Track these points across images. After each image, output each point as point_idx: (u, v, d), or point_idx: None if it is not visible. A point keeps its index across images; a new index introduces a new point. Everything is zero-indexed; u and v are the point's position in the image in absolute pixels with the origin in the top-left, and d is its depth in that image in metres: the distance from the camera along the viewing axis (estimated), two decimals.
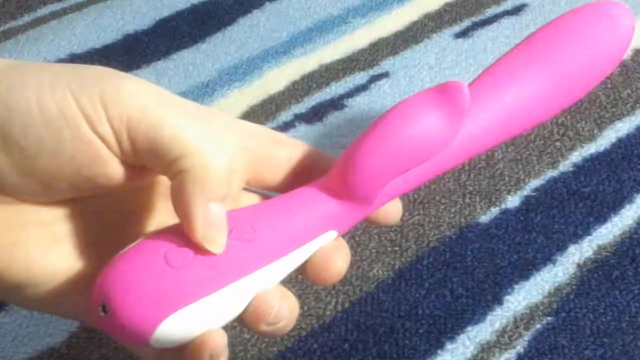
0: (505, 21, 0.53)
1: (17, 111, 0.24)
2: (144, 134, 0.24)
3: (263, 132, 0.30)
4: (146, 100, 0.24)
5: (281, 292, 0.27)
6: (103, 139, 0.24)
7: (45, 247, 0.26)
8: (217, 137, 0.25)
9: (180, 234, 0.25)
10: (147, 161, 0.25)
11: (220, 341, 0.25)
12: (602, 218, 0.38)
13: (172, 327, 0.25)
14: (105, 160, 0.25)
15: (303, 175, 0.30)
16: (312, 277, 0.28)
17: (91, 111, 0.24)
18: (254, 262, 0.26)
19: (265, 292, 0.27)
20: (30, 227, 0.26)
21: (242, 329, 0.35)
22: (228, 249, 0.26)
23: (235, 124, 0.29)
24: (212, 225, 0.25)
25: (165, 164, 0.25)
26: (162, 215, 0.29)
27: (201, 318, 0.25)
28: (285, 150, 0.29)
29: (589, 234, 0.38)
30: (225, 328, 0.32)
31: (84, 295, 0.26)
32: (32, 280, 0.26)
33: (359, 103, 0.47)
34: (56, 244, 0.27)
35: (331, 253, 0.28)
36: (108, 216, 0.28)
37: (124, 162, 0.25)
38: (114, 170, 0.25)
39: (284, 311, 0.27)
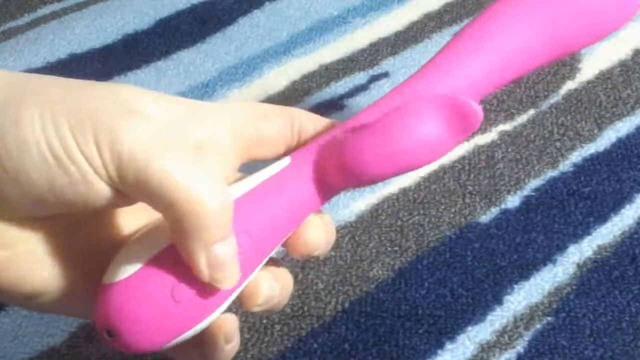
0: None
1: (16, 147, 0.23)
2: (134, 178, 0.23)
3: (250, 110, 0.29)
4: (135, 141, 0.23)
5: (270, 273, 0.27)
6: (98, 175, 0.24)
7: (40, 261, 0.26)
8: (210, 169, 0.24)
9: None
10: (140, 200, 0.25)
11: (232, 324, 0.27)
12: (602, 218, 0.38)
13: (178, 342, 0.26)
14: (99, 192, 0.24)
15: (294, 141, 0.29)
16: (294, 253, 0.28)
17: (87, 151, 0.23)
18: (252, 266, 0.27)
19: (254, 278, 0.27)
20: (20, 244, 0.26)
21: (241, 328, 0.35)
22: None
23: (224, 111, 0.28)
24: (218, 267, 0.24)
25: (158, 208, 0.24)
26: (143, 212, 0.29)
27: (204, 327, 0.26)
28: (273, 123, 0.29)
29: (589, 234, 0.38)
30: None
31: (84, 300, 0.26)
32: (35, 293, 0.26)
33: (359, 103, 0.47)
34: (47, 257, 0.27)
35: (311, 227, 0.28)
36: (89, 222, 0.28)
37: (117, 192, 0.25)
38: (106, 198, 0.25)
39: (274, 291, 0.27)
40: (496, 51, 0.30)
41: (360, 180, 0.28)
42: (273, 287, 0.27)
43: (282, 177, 0.27)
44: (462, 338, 0.34)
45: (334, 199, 0.35)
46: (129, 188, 0.24)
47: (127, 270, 0.25)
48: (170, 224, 0.24)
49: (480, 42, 0.30)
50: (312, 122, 0.30)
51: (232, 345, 0.27)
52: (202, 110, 0.28)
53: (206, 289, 0.25)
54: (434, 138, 0.27)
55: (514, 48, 0.30)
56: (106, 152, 0.23)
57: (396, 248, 0.38)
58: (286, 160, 0.28)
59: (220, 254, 0.24)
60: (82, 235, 0.27)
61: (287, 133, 0.29)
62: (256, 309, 0.27)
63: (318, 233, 0.28)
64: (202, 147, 0.27)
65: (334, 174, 0.27)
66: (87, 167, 0.24)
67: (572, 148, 0.43)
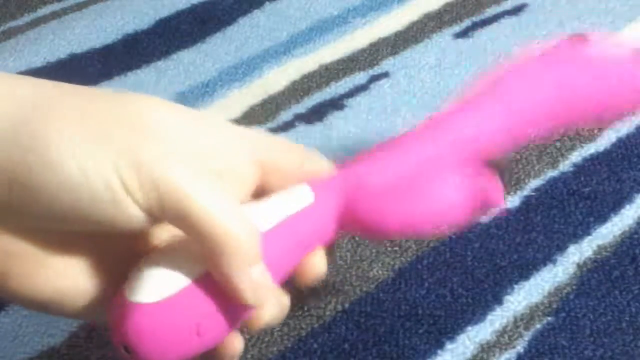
0: (505, 21, 0.53)
1: (53, 170, 0.24)
2: (174, 212, 0.25)
3: (273, 143, 0.30)
4: (175, 174, 0.25)
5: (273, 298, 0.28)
6: (136, 203, 0.25)
7: (64, 270, 0.27)
8: (237, 201, 0.27)
9: (212, 290, 0.26)
10: (175, 226, 0.26)
11: (239, 346, 0.28)
12: (602, 218, 0.38)
13: None
14: (132, 217, 0.25)
15: (301, 178, 0.30)
16: (301, 280, 0.30)
17: (127, 178, 0.25)
18: None
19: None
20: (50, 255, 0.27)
21: (241, 328, 0.35)
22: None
23: (248, 138, 0.29)
24: (260, 288, 0.26)
25: (195, 239, 0.25)
26: None
27: None
28: (291, 158, 0.30)
29: (589, 234, 0.38)
30: None
31: (103, 306, 0.27)
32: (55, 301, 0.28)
33: (359, 103, 0.47)
34: (71, 266, 0.27)
35: (317, 255, 0.30)
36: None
37: (149, 217, 0.26)
38: (138, 222, 0.26)
39: (275, 315, 0.28)
40: (510, 110, 0.32)
41: (375, 236, 0.30)
42: (274, 312, 0.28)
43: (304, 216, 0.29)
44: (462, 338, 0.34)
45: None
46: (165, 218, 0.25)
47: (156, 294, 0.25)
48: (207, 252, 0.25)
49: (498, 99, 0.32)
50: (319, 165, 0.31)
51: None
52: (228, 136, 0.29)
53: (227, 324, 0.27)
54: (454, 214, 0.29)
55: (527, 107, 0.32)
56: (148, 184, 0.25)
57: (396, 248, 0.38)
58: (308, 195, 0.29)
59: (257, 276, 0.26)
60: (109, 245, 0.28)
61: (298, 170, 0.30)
62: (257, 330, 0.29)
63: (322, 260, 0.30)
64: (224, 175, 0.28)
65: (352, 224, 0.29)
66: (124, 195, 0.25)
67: (572, 148, 0.43)
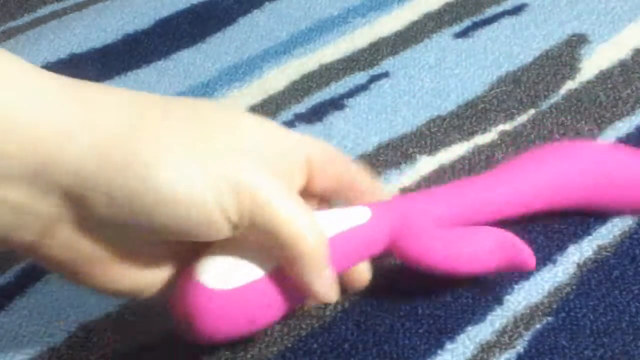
0: (505, 21, 0.53)
1: (155, 190, 0.26)
2: (263, 228, 0.28)
3: (324, 151, 0.33)
4: (269, 194, 0.28)
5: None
6: (229, 222, 0.28)
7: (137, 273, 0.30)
8: (309, 209, 0.30)
9: (273, 285, 0.30)
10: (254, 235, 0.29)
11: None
12: (602, 218, 0.38)
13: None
14: (219, 231, 0.28)
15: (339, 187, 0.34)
16: (348, 286, 0.34)
17: (227, 204, 0.27)
18: None
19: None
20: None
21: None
22: (293, 299, 0.31)
23: (304, 145, 0.32)
24: (329, 287, 0.30)
25: (275, 245, 0.29)
26: None
27: None
28: (335, 168, 0.33)
29: (589, 234, 0.38)
30: None
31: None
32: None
33: (359, 103, 0.47)
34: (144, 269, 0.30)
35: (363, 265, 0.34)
36: None
37: (234, 229, 0.28)
38: (224, 235, 0.29)
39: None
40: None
41: (414, 267, 0.34)
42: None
43: (358, 231, 0.32)
44: (462, 338, 0.34)
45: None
46: (251, 230, 0.28)
47: (226, 282, 0.29)
48: (286, 257, 0.29)
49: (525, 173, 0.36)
50: (358, 179, 0.34)
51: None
52: (287, 142, 0.31)
53: (278, 314, 0.31)
54: (487, 266, 0.34)
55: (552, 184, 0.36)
56: (246, 209, 0.27)
57: None
58: (366, 213, 0.33)
59: (328, 277, 0.30)
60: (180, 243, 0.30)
61: (338, 180, 0.33)
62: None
63: (367, 270, 0.34)
64: (286, 176, 0.31)
65: (397, 250, 0.33)
66: (221, 219, 0.27)
67: None
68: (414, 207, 0.34)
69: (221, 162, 0.27)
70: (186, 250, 0.30)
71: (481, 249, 0.33)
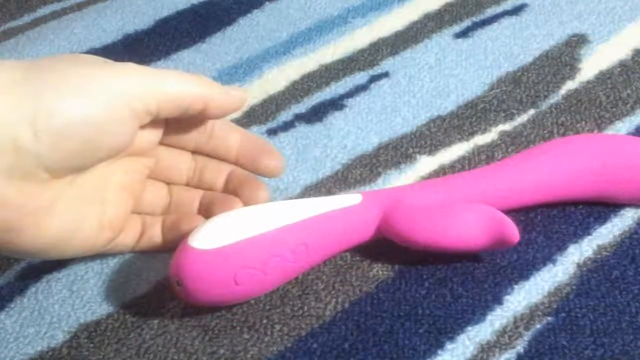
0: (505, 21, 0.53)
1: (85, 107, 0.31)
2: (173, 109, 0.34)
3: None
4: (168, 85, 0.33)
5: None
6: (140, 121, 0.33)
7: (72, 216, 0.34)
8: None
9: (257, 246, 0.33)
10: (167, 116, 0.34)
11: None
12: (602, 218, 0.38)
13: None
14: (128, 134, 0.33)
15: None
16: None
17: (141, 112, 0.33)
18: (302, 269, 0.35)
19: None
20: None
21: (241, 329, 0.35)
22: (283, 270, 0.34)
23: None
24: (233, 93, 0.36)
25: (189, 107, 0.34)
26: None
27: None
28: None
29: (589, 234, 0.38)
30: (225, 329, 0.33)
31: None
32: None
33: (359, 103, 0.47)
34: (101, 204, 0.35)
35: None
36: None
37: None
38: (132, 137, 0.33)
39: None
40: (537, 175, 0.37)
41: (402, 243, 0.36)
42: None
43: (348, 212, 0.35)
44: (462, 338, 0.34)
45: None
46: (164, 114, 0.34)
47: (208, 243, 0.32)
48: (200, 102, 0.34)
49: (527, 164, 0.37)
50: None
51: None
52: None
53: (261, 278, 0.33)
54: (471, 241, 0.35)
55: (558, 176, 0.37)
56: (152, 104, 0.33)
57: (397, 248, 0.38)
58: (357, 198, 0.36)
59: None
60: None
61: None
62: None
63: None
64: None
65: (388, 231, 0.35)
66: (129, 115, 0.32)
67: None
68: (404, 191, 0.36)
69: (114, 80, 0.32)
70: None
71: (467, 223, 0.34)
